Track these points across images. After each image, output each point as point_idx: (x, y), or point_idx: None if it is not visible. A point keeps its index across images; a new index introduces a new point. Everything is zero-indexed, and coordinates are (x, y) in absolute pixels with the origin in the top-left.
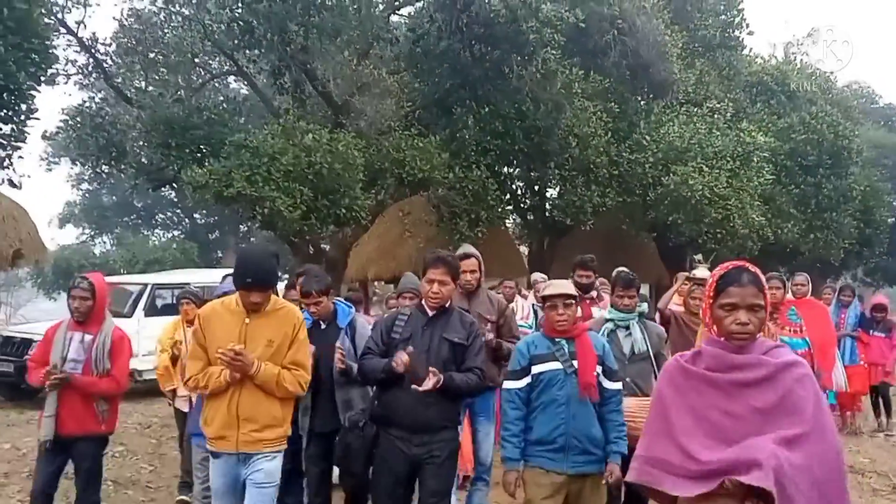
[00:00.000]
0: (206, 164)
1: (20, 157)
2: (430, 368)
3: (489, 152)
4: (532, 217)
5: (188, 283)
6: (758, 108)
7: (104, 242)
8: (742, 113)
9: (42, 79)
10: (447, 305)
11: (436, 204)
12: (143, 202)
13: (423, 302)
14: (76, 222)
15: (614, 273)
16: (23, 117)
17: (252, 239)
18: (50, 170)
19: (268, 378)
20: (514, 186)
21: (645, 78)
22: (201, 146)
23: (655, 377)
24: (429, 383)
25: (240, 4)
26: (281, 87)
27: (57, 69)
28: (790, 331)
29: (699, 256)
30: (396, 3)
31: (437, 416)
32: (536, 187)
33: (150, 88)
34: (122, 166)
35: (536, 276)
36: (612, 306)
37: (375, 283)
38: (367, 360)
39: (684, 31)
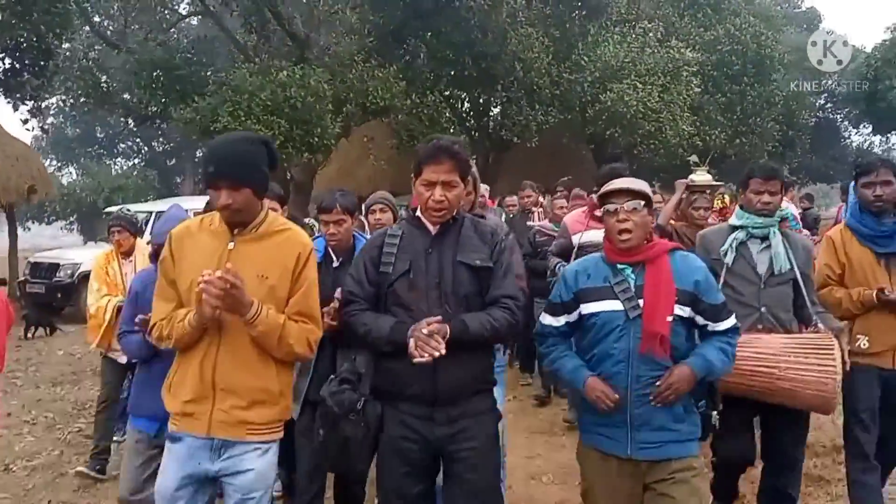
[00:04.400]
0: (192, 102)
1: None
2: (428, 322)
3: (441, 79)
4: (477, 135)
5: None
6: (686, 22)
7: (70, 173)
8: (672, 28)
9: (64, 37)
10: (454, 215)
11: (395, 129)
12: (104, 132)
13: (418, 214)
14: (44, 155)
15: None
16: (48, 73)
17: None
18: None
19: (270, 328)
20: (462, 108)
21: (581, 2)
22: (185, 85)
23: (801, 306)
24: (434, 346)
25: None
26: (250, 27)
27: (77, 26)
28: None
29: (695, 158)
30: None
31: (468, 377)
32: (481, 108)
33: (131, 29)
34: (109, 106)
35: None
36: (741, 208)
37: None
38: (358, 315)
39: None
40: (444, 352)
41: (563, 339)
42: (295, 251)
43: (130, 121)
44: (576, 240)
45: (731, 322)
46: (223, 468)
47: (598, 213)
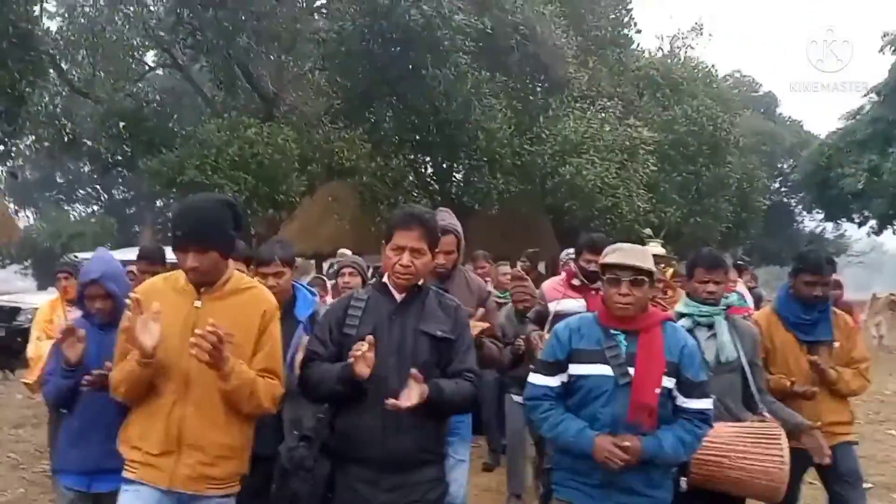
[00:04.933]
0: (160, 153)
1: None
2: (413, 372)
3: (406, 143)
4: (440, 199)
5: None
6: (645, 100)
7: (27, 217)
8: (631, 106)
9: (37, 85)
10: (420, 284)
11: (360, 190)
12: (64, 178)
13: (384, 280)
14: None
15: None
16: (21, 119)
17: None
18: None
19: (243, 382)
20: (425, 173)
21: (544, 77)
22: (152, 136)
23: (749, 395)
24: (412, 397)
25: (187, 12)
26: (219, 83)
27: (50, 74)
28: None
29: (648, 231)
30: (316, 4)
31: (416, 447)
32: (444, 174)
33: (99, 76)
34: (76, 154)
35: None
36: (688, 296)
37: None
38: (313, 368)
39: (579, 33)
40: (413, 401)
41: (558, 401)
42: (260, 309)
43: (91, 168)
44: (552, 307)
45: (700, 404)
46: None
47: (575, 281)
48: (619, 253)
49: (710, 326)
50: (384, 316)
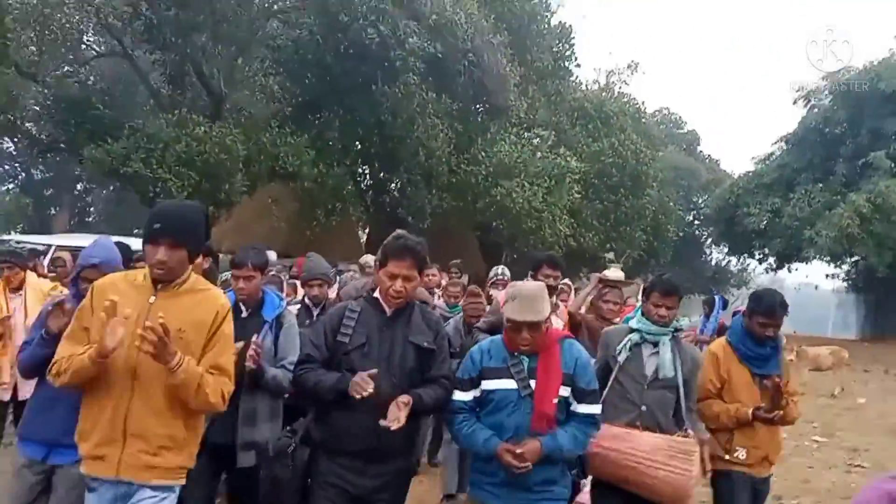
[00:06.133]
0: (106, 143)
1: None
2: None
3: (349, 153)
4: (374, 210)
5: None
6: (577, 131)
7: None
8: (563, 135)
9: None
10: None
11: (300, 194)
12: None
13: (375, 295)
14: None
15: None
16: None
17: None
18: None
19: (190, 377)
20: (363, 183)
21: (486, 102)
22: (97, 125)
23: (681, 410)
24: (401, 418)
25: (145, 6)
26: (170, 77)
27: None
28: None
29: (611, 255)
30: (274, 8)
31: (399, 440)
32: (381, 185)
33: (44, 59)
34: (16, 137)
35: (368, 258)
36: (642, 314)
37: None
38: (308, 372)
39: (523, 63)
40: (403, 422)
41: (471, 413)
42: (213, 309)
43: (34, 152)
44: None
45: (590, 409)
46: None
47: None
48: (518, 306)
49: (655, 345)
50: (375, 327)
